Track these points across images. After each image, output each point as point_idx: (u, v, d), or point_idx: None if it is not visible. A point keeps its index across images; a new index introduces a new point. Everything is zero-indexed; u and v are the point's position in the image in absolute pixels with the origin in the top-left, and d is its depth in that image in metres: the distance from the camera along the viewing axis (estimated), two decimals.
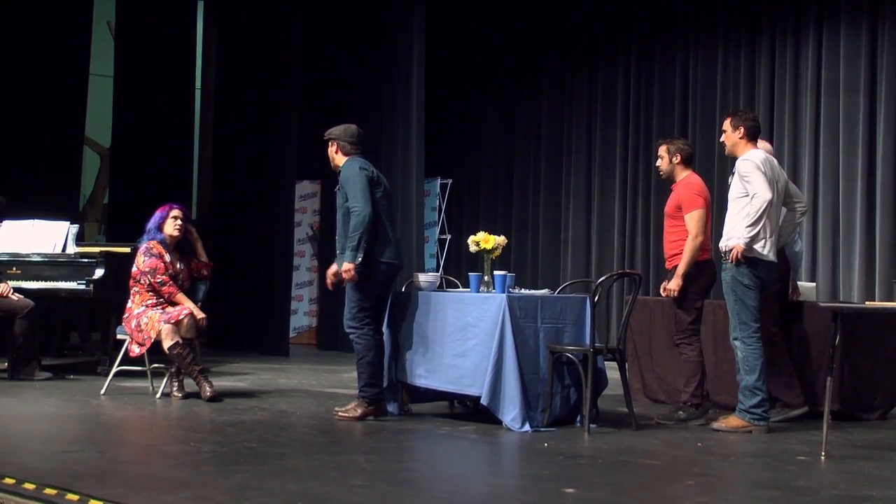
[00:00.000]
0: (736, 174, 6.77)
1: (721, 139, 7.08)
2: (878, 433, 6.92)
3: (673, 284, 7.23)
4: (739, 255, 6.64)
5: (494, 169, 13.88)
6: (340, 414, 7.03)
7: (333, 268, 7.08)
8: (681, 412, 7.22)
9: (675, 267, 7.27)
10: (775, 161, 6.99)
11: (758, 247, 6.67)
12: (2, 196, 9.34)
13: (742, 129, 6.89)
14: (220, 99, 13.72)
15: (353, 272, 6.88)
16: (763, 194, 6.59)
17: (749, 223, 6.60)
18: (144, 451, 6.09)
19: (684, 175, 7.46)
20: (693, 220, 7.21)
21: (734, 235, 6.70)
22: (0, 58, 12.22)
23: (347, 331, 7.12)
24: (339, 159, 7.23)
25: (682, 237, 7.29)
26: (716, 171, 11.39)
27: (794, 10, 11.07)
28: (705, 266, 7.31)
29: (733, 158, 7.02)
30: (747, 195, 6.65)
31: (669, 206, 7.47)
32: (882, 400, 7.67)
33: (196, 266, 8.19)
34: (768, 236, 6.69)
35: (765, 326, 6.99)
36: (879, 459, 5.95)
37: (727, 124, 6.98)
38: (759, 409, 6.73)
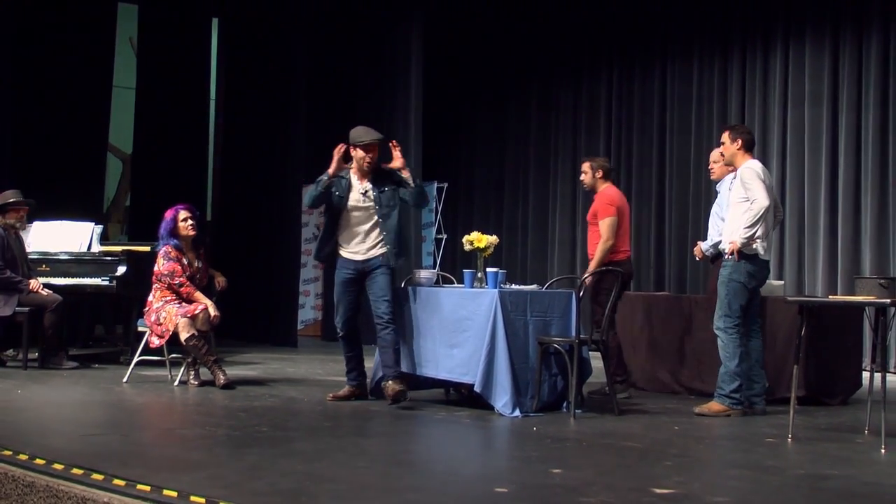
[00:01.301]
0: (738, 180, 6.82)
1: (720, 150, 7.14)
2: (839, 417, 6.92)
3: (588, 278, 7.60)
4: (737, 251, 6.70)
5: (487, 174, 13.87)
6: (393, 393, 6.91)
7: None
8: (605, 387, 7.31)
9: None
10: (768, 171, 7.05)
11: (757, 246, 6.72)
12: (32, 199, 9.31)
13: (740, 141, 6.94)
14: (233, 108, 13.71)
15: None
16: (762, 200, 6.65)
17: (747, 225, 6.67)
18: (164, 435, 6.08)
19: (604, 187, 7.96)
20: (605, 226, 7.72)
21: (733, 236, 6.75)
22: (31, 72, 12.20)
23: (388, 324, 6.98)
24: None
25: (598, 241, 7.77)
26: (691, 176, 11.41)
27: (763, 28, 11.09)
28: (619, 265, 7.56)
29: (731, 167, 7.10)
30: (748, 200, 6.70)
31: (590, 213, 7.96)
32: (843, 386, 7.69)
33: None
34: (765, 237, 6.74)
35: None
36: (841, 441, 5.96)
37: (726, 137, 7.02)
38: (737, 394, 6.76)
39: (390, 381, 6.95)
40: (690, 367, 8.00)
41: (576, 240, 12.74)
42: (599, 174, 7.97)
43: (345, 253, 7.17)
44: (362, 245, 7.13)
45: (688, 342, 8.03)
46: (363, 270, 7.11)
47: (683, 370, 8.04)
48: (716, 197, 7.87)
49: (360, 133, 7.13)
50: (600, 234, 7.72)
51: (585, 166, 8.09)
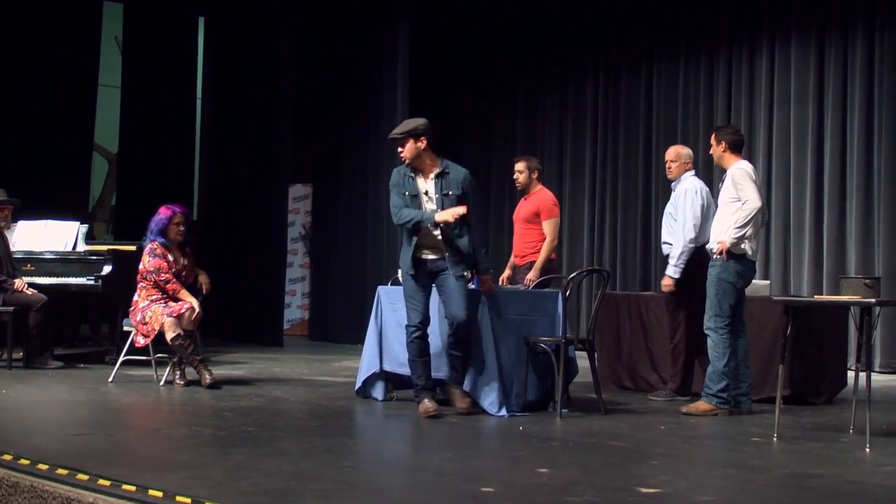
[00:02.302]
0: (728, 180, 6.83)
1: (710, 152, 7.14)
2: (825, 416, 6.94)
3: (532, 275, 7.77)
4: (725, 252, 6.71)
5: (474, 173, 13.71)
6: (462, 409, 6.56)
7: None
8: None
9: (528, 263, 7.91)
10: (756, 172, 7.08)
11: (745, 246, 6.73)
12: (16, 198, 9.28)
13: (724, 144, 6.96)
14: (219, 108, 13.69)
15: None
16: (754, 201, 6.68)
17: (739, 225, 6.68)
18: (149, 435, 6.06)
19: (538, 188, 8.13)
20: (552, 225, 7.97)
21: (722, 236, 6.76)
22: (17, 71, 12.17)
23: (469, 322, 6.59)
24: (431, 155, 6.80)
25: (537, 239, 7.95)
26: None
27: (749, 27, 11.13)
28: (552, 263, 7.96)
29: (721, 168, 7.11)
30: (739, 200, 6.72)
31: (527, 212, 8.04)
32: (828, 385, 7.71)
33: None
34: (753, 237, 6.77)
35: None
36: (826, 440, 5.97)
37: (712, 139, 7.05)
38: (724, 394, 6.78)
39: (460, 391, 6.62)
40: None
41: (562, 239, 12.73)
42: (535, 175, 8.13)
43: (419, 254, 6.67)
44: (431, 247, 6.65)
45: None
46: (432, 271, 6.66)
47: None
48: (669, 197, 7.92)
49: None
50: (544, 233, 7.93)
51: (521, 166, 8.17)
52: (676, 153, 7.75)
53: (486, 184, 13.66)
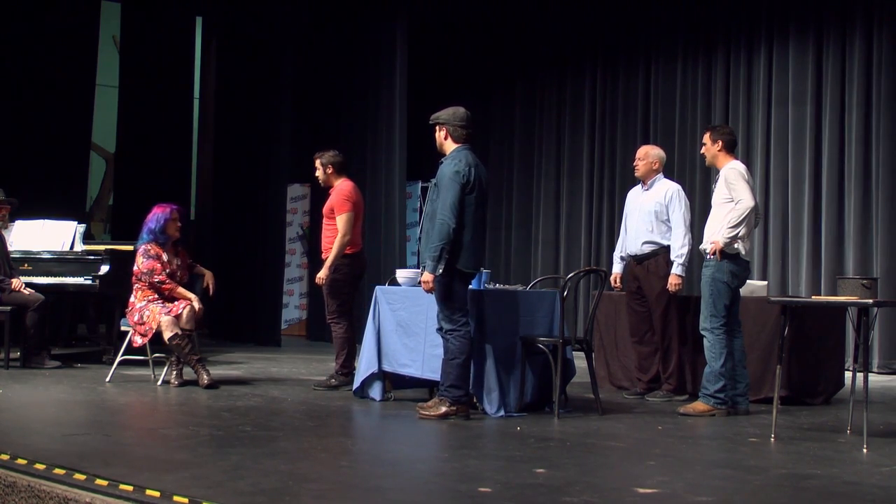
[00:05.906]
0: (722, 181, 6.86)
1: (701, 151, 7.16)
2: (822, 417, 6.96)
3: (322, 274, 7.76)
4: (719, 252, 6.73)
5: None
6: (422, 413, 6.43)
7: (426, 276, 6.32)
8: (332, 379, 7.75)
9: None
10: (750, 172, 7.10)
11: (739, 246, 6.75)
12: (14, 198, 9.27)
13: (720, 143, 6.98)
14: (217, 108, 13.68)
15: (431, 284, 6.30)
16: (747, 201, 6.70)
17: (732, 225, 6.71)
18: (146, 434, 6.06)
19: (338, 182, 8.02)
20: (342, 221, 7.77)
21: (716, 236, 6.77)
22: (14, 71, 12.17)
23: (445, 329, 6.41)
24: (448, 146, 6.55)
25: (334, 234, 7.82)
26: (674, 175, 11.39)
27: (746, 28, 11.14)
28: (353, 258, 7.81)
29: (714, 168, 7.13)
30: (732, 200, 6.73)
31: (326, 207, 7.96)
32: (825, 386, 7.72)
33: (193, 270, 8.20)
34: (747, 237, 6.79)
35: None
36: (823, 441, 5.98)
37: (707, 138, 7.06)
38: (722, 394, 6.79)
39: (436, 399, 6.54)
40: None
41: (559, 239, 12.76)
42: (330, 170, 8.04)
43: None
44: None
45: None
46: None
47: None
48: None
49: None
50: (337, 228, 7.78)
51: (316, 162, 8.11)
52: (645, 152, 7.86)
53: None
